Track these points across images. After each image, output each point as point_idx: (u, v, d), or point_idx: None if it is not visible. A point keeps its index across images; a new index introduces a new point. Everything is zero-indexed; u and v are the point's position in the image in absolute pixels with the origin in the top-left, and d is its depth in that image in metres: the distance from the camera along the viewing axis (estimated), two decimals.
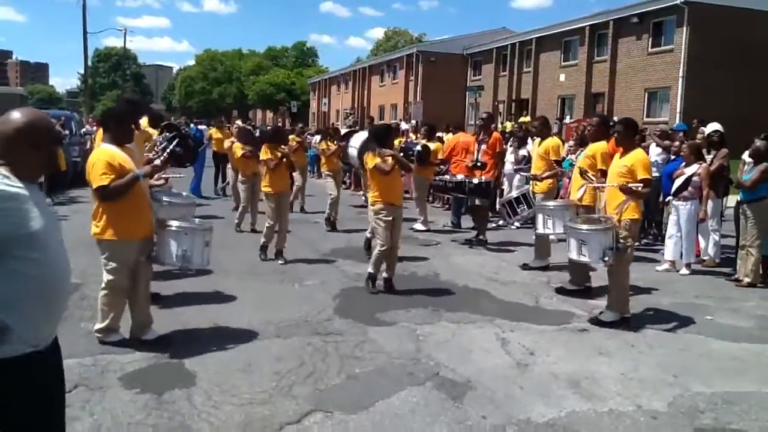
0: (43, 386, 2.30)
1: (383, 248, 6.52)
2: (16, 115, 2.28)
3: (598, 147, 6.88)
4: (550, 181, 8.29)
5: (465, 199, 10.37)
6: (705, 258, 8.36)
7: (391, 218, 6.54)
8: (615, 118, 9.37)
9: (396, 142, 12.32)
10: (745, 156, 7.87)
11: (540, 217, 7.12)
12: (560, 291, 6.81)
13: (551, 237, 8.17)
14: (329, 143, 11.59)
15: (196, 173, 14.22)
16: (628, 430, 3.76)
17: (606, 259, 5.55)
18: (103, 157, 4.54)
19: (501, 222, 10.87)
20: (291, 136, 11.72)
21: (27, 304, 2.18)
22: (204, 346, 4.81)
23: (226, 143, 13.05)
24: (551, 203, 7.37)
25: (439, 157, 11.11)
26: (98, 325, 4.84)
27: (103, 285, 4.77)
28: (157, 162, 5.18)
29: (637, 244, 7.80)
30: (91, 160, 4.65)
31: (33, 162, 2.29)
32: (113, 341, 4.79)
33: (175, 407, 3.83)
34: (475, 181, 9.16)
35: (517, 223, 9.34)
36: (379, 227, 6.57)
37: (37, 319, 2.24)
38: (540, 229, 7.16)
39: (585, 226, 5.78)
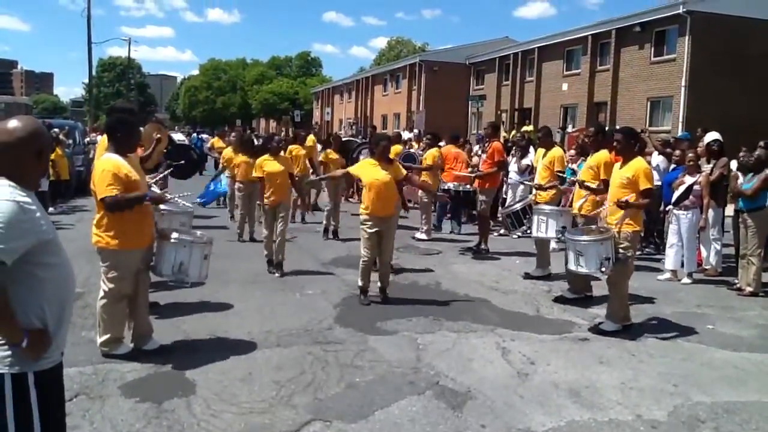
0: (62, 393, 2.32)
1: (365, 260, 6.54)
2: (17, 125, 2.21)
3: (601, 157, 6.86)
4: (553, 191, 8.30)
5: (456, 204, 10.68)
6: (707, 267, 8.34)
7: (375, 230, 6.50)
8: (617, 127, 9.39)
9: (398, 148, 12.42)
10: (733, 165, 7.89)
11: (535, 219, 7.17)
12: (560, 300, 6.80)
13: (553, 246, 8.18)
14: (330, 154, 11.61)
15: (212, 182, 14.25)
16: None
17: (603, 269, 5.54)
18: (110, 167, 4.52)
19: (502, 231, 10.90)
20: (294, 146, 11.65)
21: (54, 309, 2.21)
22: (204, 356, 4.81)
23: (225, 152, 12.91)
24: (547, 207, 7.38)
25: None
26: (102, 338, 4.69)
27: (102, 294, 4.67)
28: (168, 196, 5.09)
29: (639, 253, 7.82)
30: (97, 170, 4.62)
31: (36, 171, 2.27)
32: (120, 353, 4.69)
33: (175, 416, 3.83)
34: (459, 188, 9.62)
35: (518, 233, 9.41)
36: (362, 238, 6.58)
37: (62, 323, 2.27)
38: (534, 233, 7.21)
39: (582, 237, 5.79)
